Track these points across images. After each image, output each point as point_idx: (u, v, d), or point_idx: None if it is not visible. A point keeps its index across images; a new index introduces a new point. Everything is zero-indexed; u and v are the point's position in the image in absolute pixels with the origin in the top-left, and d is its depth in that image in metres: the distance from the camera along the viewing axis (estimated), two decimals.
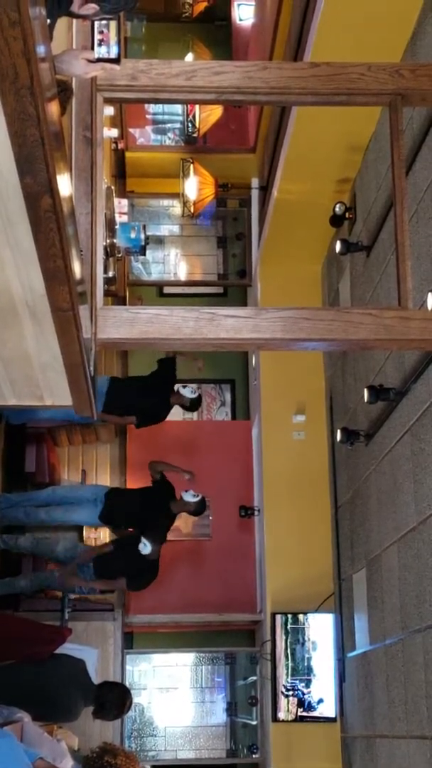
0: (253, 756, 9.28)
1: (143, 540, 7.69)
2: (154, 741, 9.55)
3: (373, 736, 7.25)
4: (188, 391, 8.33)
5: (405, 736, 6.34)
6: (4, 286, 3.45)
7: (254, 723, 9.35)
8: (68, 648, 6.86)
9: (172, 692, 9.81)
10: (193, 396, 8.36)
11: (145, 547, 7.69)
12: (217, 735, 9.71)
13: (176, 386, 8.40)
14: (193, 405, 8.52)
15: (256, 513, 9.56)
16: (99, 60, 3.97)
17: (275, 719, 8.55)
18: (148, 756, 9.26)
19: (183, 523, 9.21)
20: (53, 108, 2.68)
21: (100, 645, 8.33)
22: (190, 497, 8.03)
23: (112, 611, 8.88)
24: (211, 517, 9.62)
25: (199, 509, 8.13)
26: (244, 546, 9.78)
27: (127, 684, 8.85)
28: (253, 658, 9.53)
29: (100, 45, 3.96)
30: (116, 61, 3.97)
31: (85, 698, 6.60)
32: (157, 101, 5.49)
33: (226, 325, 4.42)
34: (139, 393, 8.48)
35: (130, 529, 8.43)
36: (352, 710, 8.07)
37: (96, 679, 6.88)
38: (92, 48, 3.98)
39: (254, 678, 9.43)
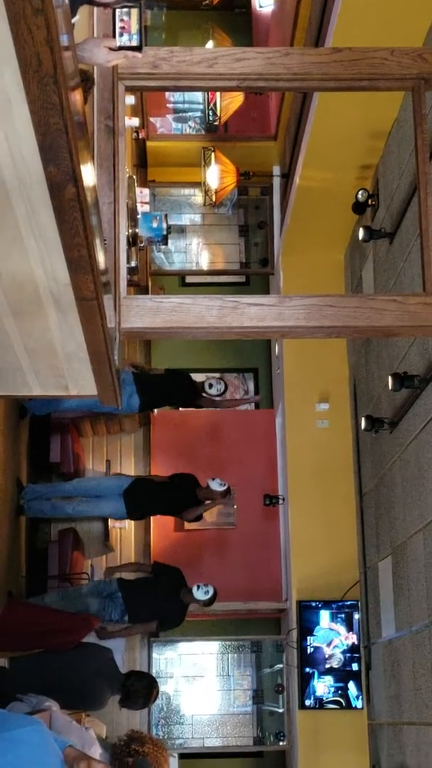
0: (280, 743, 9.29)
1: (206, 587, 7.71)
2: (181, 729, 9.58)
3: (400, 723, 7.24)
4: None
5: None
6: (28, 276, 3.46)
7: (281, 711, 9.36)
8: (95, 637, 6.88)
9: (198, 680, 9.82)
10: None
11: (207, 594, 7.71)
12: (244, 723, 9.72)
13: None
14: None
15: (280, 501, 9.56)
16: (121, 48, 3.95)
17: (302, 707, 8.56)
18: (175, 744, 9.29)
19: (208, 512, 9.22)
20: (77, 97, 2.67)
21: None
22: (217, 485, 8.03)
23: None
24: (235, 506, 9.62)
25: (225, 494, 8.15)
26: (269, 534, 9.78)
27: (153, 673, 8.89)
28: (279, 645, 9.53)
29: (121, 33, 3.94)
30: (138, 48, 3.95)
31: (112, 687, 6.63)
32: (178, 89, 5.47)
33: (250, 313, 4.41)
34: (163, 386, 8.52)
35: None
36: (378, 698, 8.07)
37: (123, 668, 6.92)
38: (114, 36, 3.96)
39: (280, 666, 9.44)
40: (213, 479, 8.07)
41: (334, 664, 8.63)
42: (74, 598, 7.82)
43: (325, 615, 8.71)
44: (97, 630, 7.78)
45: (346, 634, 8.64)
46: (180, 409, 9.66)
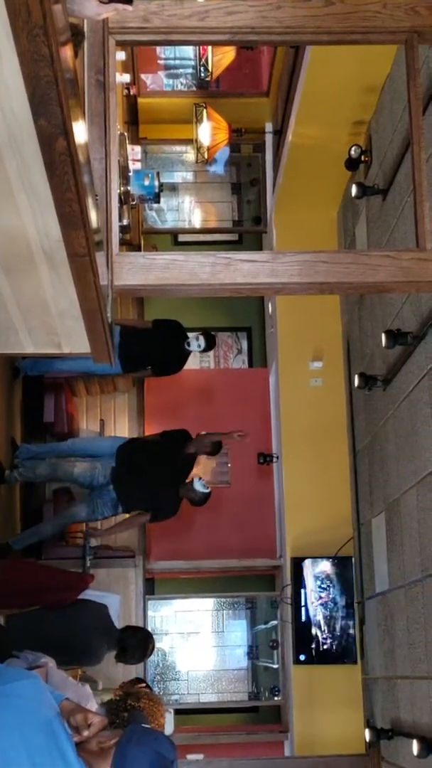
0: (275, 698, 9.39)
1: (200, 480, 7.84)
2: (176, 685, 9.68)
3: (394, 677, 7.32)
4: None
5: (426, 677, 6.40)
6: (20, 232, 3.44)
7: (275, 666, 9.45)
8: (90, 594, 6.92)
9: (193, 637, 9.92)
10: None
11: (205, 487, 7.82)
12: (239, 678, 9.83)
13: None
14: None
15: (274, 460, 9.59)
16: (111, 1, 3.90)
17: (297, 662, 8.64)
18: (171, 700, 9.39)
19: (202, 470, 9.25)
20: (67, 51, 2.65)
21: (122, 591, 8.41)
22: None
23: (134, 558, 8.97)
24: (229, 464, 9.65)
25: (215, 449, 8.17)
26: (263, 492, 9.83)
27: (149, 629, 8.96)
28: (274, 602, 9.61)
29: None
30: (129, 1, 3.89)
31: (108, 642, 6.69)
32: (169, 43, 5.42)
33: (243, 269, 4.40)
34: (151, 342, 8.45)
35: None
36: (372, 652, 8.15)
37: (118, 625, 6.96)
38: None
39: (275, 622, 9.52)
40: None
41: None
42: (64, 476, 7.90)
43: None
44: (89, 530, 7.85)
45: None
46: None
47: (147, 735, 2.72)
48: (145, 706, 4.57)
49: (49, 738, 2.58)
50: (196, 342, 8.38)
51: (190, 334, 8.44)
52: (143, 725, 3.00)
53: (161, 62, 11.09)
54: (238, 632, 10.03)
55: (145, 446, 8.31)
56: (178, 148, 11.07)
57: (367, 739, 7.76)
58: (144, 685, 5.88)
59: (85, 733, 2.69)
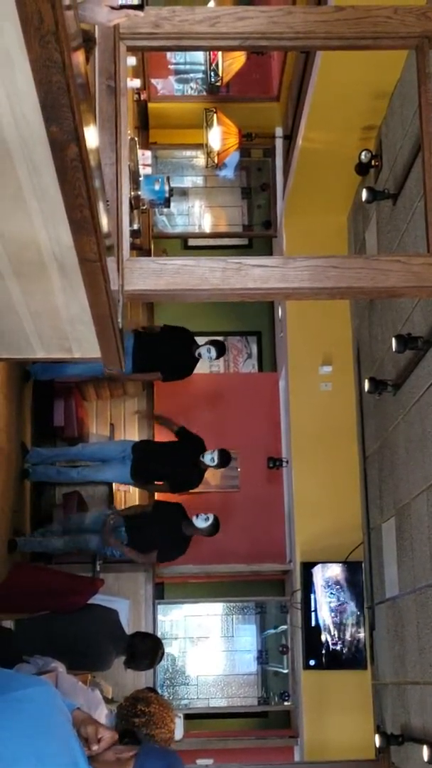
0: (285, 704, 9.38)
1: (206, 515, 7.75)
2: (186, 690, 9.67)
3: (404, 682, 7.30)
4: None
5: None
6: (31, 237, 3.45)
7: (285, 671, 9.43)
8: (100, 599, 6.93)
9: (203, 641, 9.90)
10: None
11: (207, 521, 7.76)
12: (249, 683, 9.81)
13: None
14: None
15: (284, 464, 9.58)
16: (122, 7, 3.91)
17: (306, 667, 8.63)
18: (180, 704, 9.37)
19: (212, 475, 9.24)
20: (79, 57, 2.65)
21: (132, 596, 8.42)
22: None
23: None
24: (239, 469, 9.64)
25: (223, 463, 8.16)
26: (273, 497, 9.81)
27: (158, 634, 8.95)
28: (283, 607, 9.59)
29: None
30: (140, 7, 3.91)
31: (117, 648, 6.68)
32: (180, 48, 5.44)
33: (254, 274, 4.40)
34: (164, 347, 8.47)
35: (160, 483, 8.51)
36: (382, 658, 8.13)
37: (128, 630, 6.96)
38: None
39: (284, 627, 9.50)
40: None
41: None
42: (76, 532, 7.91)
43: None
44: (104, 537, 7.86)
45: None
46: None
47: (164, 751, 2.75)
48: (155, 711, 4.56)
49: (62, 746, 2.55)
50: (207, 354, 8.39)
51: (201, 346, 8.44)
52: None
53: (172, 67, 11.10)
54: (248, 637, 10.02)
55: (160, 446, 8.38)
56: (188, 152, 11.08)
57: (377, 745, 7.74)
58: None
59: (95, 748, 2.67)
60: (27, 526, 8.46)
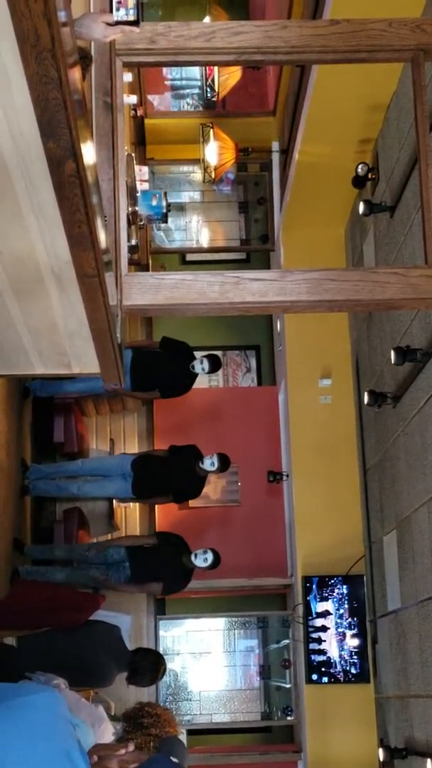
0: (288, 718, 9.35)
1: (204, 554, 7.74)
2: (189, 705, 9.64)
3: (407, 696, 7.28)
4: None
5: None
6: (29, 253, 3.45)
7: (288, 686, 9.41)
8: (102, 615, 6.90)
9: (205, 657, 9.88)
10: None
11: (206, 561, 7.76)
12: (251, 698, 9.78)
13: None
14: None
15: (284, 478, 9.57)
16: (118, 23, 3.93)
17: (309, 681, 8.60)
18: (183, 720, 9.34)
19: (212, 489, 9.23)
20: (76, 74, 2.66)
21: (133, 611, 8.39)
22: (209, 465, 8.02)
23: None
24: (239, 483, 9.63)
25: (223, 466, 8.14)
26: (274, 511, 9.80)
27: (160, 650, 8.92)
28: (285, 621, 9.57)
29: (118, 8, 3.92)
30: (135, 23, 3.93)
31: (119, 664, 6.66)
32: (176, 64, 5.44)
33: (252, 288, 4.40)
34: (162, 364, 8.47)
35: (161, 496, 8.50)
36: (385, 671, 8.10)
37: (130, 646, 6.93)
38: (110, 11, 3.94)
39: (287, 641, 9.47)
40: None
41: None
42: (78, 565, 7.90)
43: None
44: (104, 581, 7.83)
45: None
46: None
47: (172, 764, 2.75)
48: (161, 713, 4.70)
49: (62, 753, 2.54)
50: (200, 365, 8.38)
51: (196, 358, 8.43)
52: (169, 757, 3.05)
53: (168, 83, 11.14)
54: (250, 652, 9.99)
55: (158, 461, 8.37)
56: (185, 168, 11.12)
57: (381, 759, 7.70)
58: None
59: None
60: (28, 544, 8.44)
